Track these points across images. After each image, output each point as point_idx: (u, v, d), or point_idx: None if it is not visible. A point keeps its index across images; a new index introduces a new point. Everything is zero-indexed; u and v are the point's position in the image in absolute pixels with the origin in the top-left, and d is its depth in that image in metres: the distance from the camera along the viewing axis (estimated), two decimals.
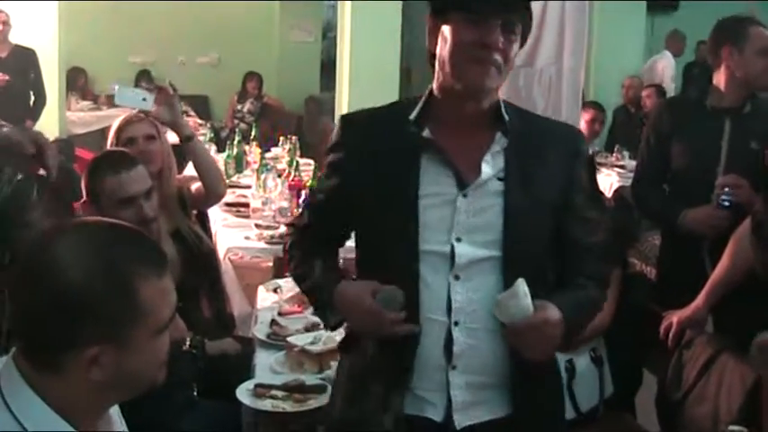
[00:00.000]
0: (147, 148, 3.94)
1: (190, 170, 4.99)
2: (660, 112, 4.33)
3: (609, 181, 7.89)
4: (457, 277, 2.21)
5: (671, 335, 3.47)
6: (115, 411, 1.79)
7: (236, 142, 7.42)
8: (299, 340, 3.37)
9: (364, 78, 8.99)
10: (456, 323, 2.22)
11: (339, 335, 3.39)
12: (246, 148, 7.85)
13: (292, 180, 6.23)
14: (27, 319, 1.57)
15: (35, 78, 8.61)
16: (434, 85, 2.30)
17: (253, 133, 8.89)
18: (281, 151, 8.16)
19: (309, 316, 3.74)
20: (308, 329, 3.54)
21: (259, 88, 12.15)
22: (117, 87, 3.77)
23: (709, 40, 4.18)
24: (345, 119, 2.43)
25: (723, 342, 3.41)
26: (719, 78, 4.06)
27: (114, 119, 11.48)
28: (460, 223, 2.21)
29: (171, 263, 3.72)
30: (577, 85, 5.09)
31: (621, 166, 8.30)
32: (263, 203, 5.82)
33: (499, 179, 2.23)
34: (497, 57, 2.16)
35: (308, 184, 5.91)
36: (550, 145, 2.32)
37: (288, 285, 4.19)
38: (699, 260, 3.88)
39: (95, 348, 1.54)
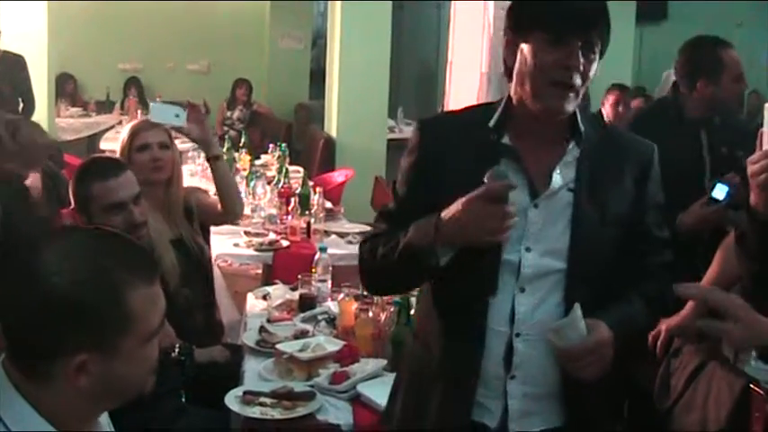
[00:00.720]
0: (161, 155, 3.94)
1: (194, 182, 5.03)
2: (635, 124, 4.35)
3: None
4: (522, 290, 2.23)
5: (659, 343, 3.48)
6: (104, 418, 1.78)
7: (225, 149, 7.42)
8: (288, 347, 3.37)
9: (354, 87, 9.02)
10: (518, 334, 2.23)
11: (330, 343, 3.42)
12: (236, 155, 7.86)
13: (282, 187, 6.24)
14: (15, 326, 1.56)
15: (24, 85, 8.58)
16: (512, 96, 2.29)
17: (242, 140, 8.88)
18: (270, 158, 8.16)
19: (298, 323, 3.75)
20: (296, 337, 3.54)
21: (248, 95, 12.15)
22: (153, 105, 3.88)
23: (681, 66, 4.18)
24: (423, 123, 2.39)
25: (711, 350, 3.42)
26: (692, 98, 4.09)
27: (103, 125, 11.39)
28: (530, 233, 2.22)
29: (170, 271, 3.77)
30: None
31: None
32: (253, 210, 5.83)
33: (569, 189, 2.24)
34: (577, 79, 2.16)
35: (297, 191, 5.91)
36: (624, 159, 2.33)
37: (277, 293, 4.19)
38: (690, 268, 3.89)
39: (82, 356, 1.53)
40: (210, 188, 5.96)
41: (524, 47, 2.21)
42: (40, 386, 1.56)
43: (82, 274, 1.54)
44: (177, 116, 3.89)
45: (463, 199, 2.09)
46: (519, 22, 2.25)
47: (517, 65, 2.24)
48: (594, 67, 2.21)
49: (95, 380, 1.56)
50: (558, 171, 2.21)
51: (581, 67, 2.16)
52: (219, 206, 4.16)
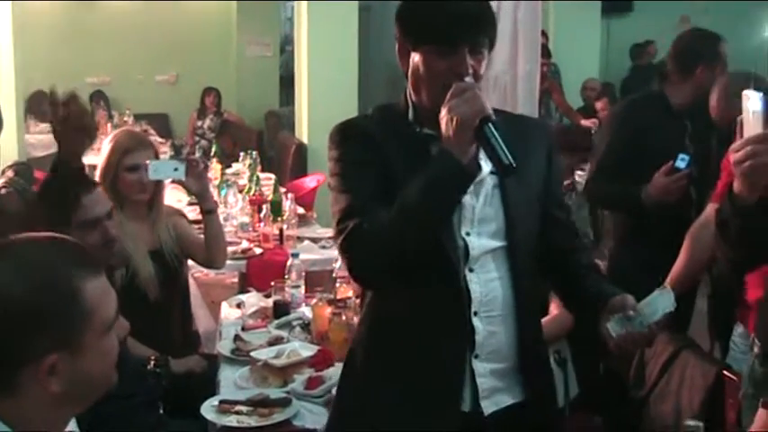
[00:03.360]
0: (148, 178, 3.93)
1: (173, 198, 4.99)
2: (623, 113, 4.39)
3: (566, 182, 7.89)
4: (471, 270, 2.30)
5: None
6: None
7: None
8: (263, 354, 3.37)
9: (323, 91, 9.02)
10: (475, 313, 2.30)
11: (304, 348, 3.42)
12: (208, 164, 7.83)
13: (253, 195, 6.23)
14: None
15: None
16: (413, 95, 2.37)
17: (213, 149, 8.86)
18: (241, 167, 8.15)
19: (273, 330, 3.75)
20: (271, 344, 3.54)
21: (218, 104, 12.11)
22: (150, 163, 3.85)
23: (677, 51, 4.28)
24: (342, 126, 2.41)
25: (684, 339, 3.45)
26: (681, 85, 4.16)
27: None
28: (468, 218, 2.30)
29: (148, 281, 3.76)
30: (534, 89, 5.11)
31: (582, 169, 8.31)
32: (225, 219, 5.80)
33: (491, 173, 2.31)
34: (468, 79, 2.22)
35: (269, 198, 5.90)
36: (530, 138, 2.42)
37: (251, 300, 4.19)
38: (648, 256, 3.93)
39: (52, 357, 1.56)
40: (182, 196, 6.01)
41: (415, 55, 2.30)
42: (8, 402, 1.57)
43: (33, 279, 1.57)
44: (176, 170, 3.91)
45: (443, 110, 2.17)
46: (407, 32, 2.33)
47: (410, 71, 2.33)
48: (485, 62, 2.30)
49: (65, 380, 1.57)
50: (482, 157, 2.24)
51: (471, 69, 2.23)
52: (204, 253, 4.15)
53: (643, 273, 3.40)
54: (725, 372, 3.08)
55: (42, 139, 11.04)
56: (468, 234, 2.30)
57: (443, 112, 2.17)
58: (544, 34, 7.15)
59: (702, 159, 3.97)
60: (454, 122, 2.14)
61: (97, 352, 1.63)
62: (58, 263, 1.61)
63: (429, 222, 2.23)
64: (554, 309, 3.67)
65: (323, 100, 8.97)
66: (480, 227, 2.31)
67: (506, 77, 4.79)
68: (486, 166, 2.28)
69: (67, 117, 3.54)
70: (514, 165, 2.14)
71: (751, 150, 1.99)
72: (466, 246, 2.29)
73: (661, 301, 2.28)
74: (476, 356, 2.31)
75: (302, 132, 9.47)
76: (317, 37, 9.11)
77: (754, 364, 2.95)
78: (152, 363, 3.47)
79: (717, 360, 3.42)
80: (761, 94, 1.97)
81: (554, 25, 10.58)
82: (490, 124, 2.15)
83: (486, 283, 2.31)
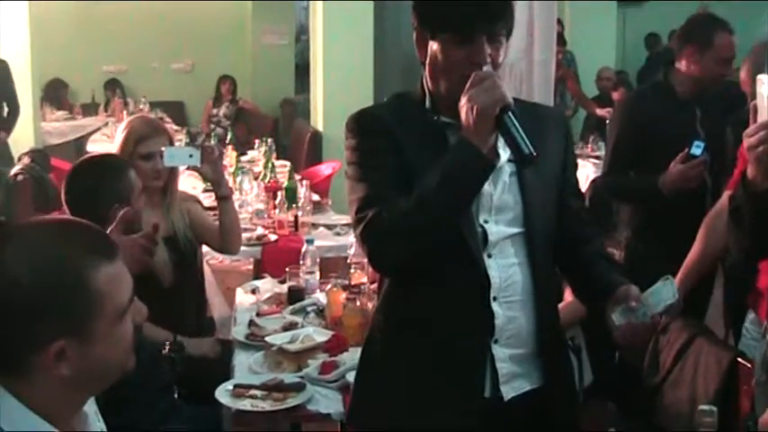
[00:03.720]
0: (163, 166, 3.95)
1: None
2: (631, 104, 4.39)
3: (584, 172, 7.88)
4: (490, 255, 2.31)
5: None
6: (92, 411, 1.80)
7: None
8: (277, 339, 3.38)
9: (338, 80, 9.02)
10: (494, 298, 2.31)
11: (318, 333, 3.43)
12: (224, 151, 7.84)
13: (268, 182, 6.24)
14: None
15: (8, 90, 8.57)
16: (430, 84, 2.37)
17: (229, 137, 8.88)
18: (257, 154, 8.16)
19: (287, 316, 3.76)
20: (285, 329, 3.55)
21: (233, 92, 12.14)
22: (165, 150, 3.88)
23: (678, 32, 4.28)
24: (358, 116, 2.41)
25: (698, 326, 3.44)
26: (680, 69, 4.15)
27: (89, 128, 11.35)
28: (488, 206, 2.31)
29: (162, 268, 3.78)
30: (549, 77, 5.09)
31: (597, 157, 8.31)
32: (240, 206, 5.81)
33: (509, 161, 2.32)
34: (487, 68, 2.23)
35: (284, 185, 5.91)
36: (546, 127, 2.43)
37: (266, 286, 4.21)
38: (664, 246, 3.91)
39: (59, 343, 1.55)
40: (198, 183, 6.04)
41: (433, 44, 2.30)
42: (22, 381, 1.58)
43: (43, 264, 1.56)
44: (191, 156, 3.94)
45: (462, 99, 2.17)
46: (424, 22, 2.33)
47: (428, 60, 2.33)
48: (503, 50, 2.30)
49: (76, 366, 1.58)
50: (500, 145, 2.25)
51: (489, 59, 2.23)
52: (218, 239, 4.18)
53: (659, 263, 3.38)
54: (739, 359, 3.07)
55: (58, 127, 11.12)
56: (486, 222, 2.31)
57: (463, 101, 2.17)
58: (559, 23, 7.16)
59: (716, 146, 3.96)
60: (474, 111, 2.15)
61: (110, 338, 1.62)
62: (66, 248, 1.60)
63: (449, 211, 2.24)
64: (568, 295, 3.66)
65: (338, 88, 8.97)
66: (498, 215, 2.33)
67: (521, 65, 4.78)
68: (504, 153, 2.29)
69: None
70: (534, 154, 2.15)
71: (764, 135, 1.98)
72: (484, 232, 2.31)
73: (664, 292, 2.30)
74: (495, 341, 2.32)
75: (317, 120, 9.47)
76: (332, 25, 9.11)
77: (767, 351, 2.95)
78: (167, 347, 3.49)
79: (731, 347, 3.41)
80: None
81: (570, 14, 10.56)
82: (510, 113, 2.16)
83: (505, 269, 2.33)
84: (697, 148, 3.88)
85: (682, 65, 4.13)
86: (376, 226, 2.25)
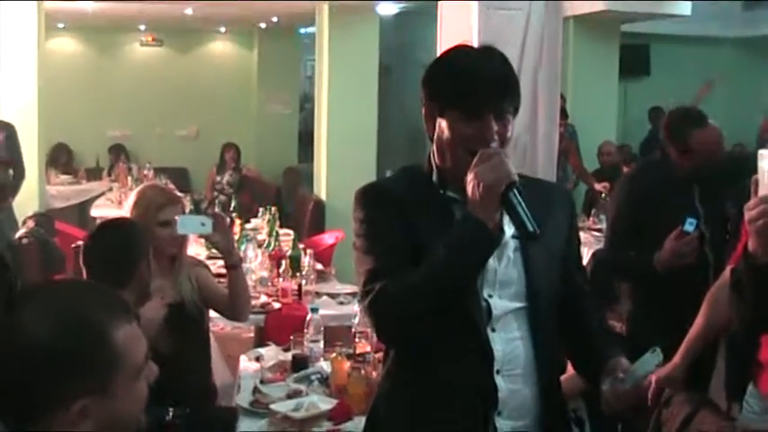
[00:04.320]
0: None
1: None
2: (628, 181, 4.44)
3: (586, 246, 7.90)
4: (493, 329, 2.33)
5: (650, 394, 3.50)
6: None
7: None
8: (282, 407, 3.39)
9: (342, 149, 9.10)
10: (498, 371, 2.32)
11: (323, 401, 3.43)
12: (234, 219, 7.87)
13: (272, 250, 6.27)
14: (8, 389, 1.57)
15: (14, 153, 8.62)
16: (437, 159, 2.40)
17: (232, 204, 8.92)
18: (260, 222, 8.19)
19: (291, 383, 3.76)
20: (290, 396, 3.55)
21: (237, 159, 12.21)
22: (178, 218, 3.92)
23: (663, 130, 4.35)
24: (367, 187, 2.45)
25: (701, 399, 3.44)
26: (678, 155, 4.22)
27: (93, 192, 11.34)
28: (491, 281, 2.33)
29: (167, 333, 3.74)
30: (552, 150, 5.16)
31: (598, 230, 8.34)
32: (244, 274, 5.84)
33: (513, 237, 2.34)
34: (494, 145, 2.27)
35: (288, 254, 5.94)
36: (552, 203, 2.48)
37: (270, 354, 4.21)
38: (665, 319, 3.93)
39: (83, 401, 1.56)
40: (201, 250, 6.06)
41: (441, 120, 2.34)
42: None
43: (64, 324, 1.58)
44: (203, 225, 3.95)
45: (469, 175, 2.20)
46: (433, 98, 2.37)
47: (436, 135, 2.37)
48: (511, 126, 2.33)
49: (98, 422, 1.59)
50: (506, 221, 2.29)
51: (496, 136, 2.28)
52: (226, 305, 4.17)
53: (661, 335, 3.40)
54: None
55: (63, 191, 11.17)
56: (490, 296, 2.33)
57: (470, 177, 2.21)
58: (562, 97, 7.23)
59: (716, 221, 3.99)
60: (481, 188, 2.19)
61: (129, 394, 1.64)
62: (89, 307, 1.62)
63: (455, 285, 2.27)
64: (571, 366, 3.67)
65: (341, 157, 9.05)
66: (502, 289, 2.35)
67: (526, 138, 4.84)
68: (509, 229, 2.32)
69: None
70: (538, 231, 2.19)
71: (765, 209, 2.01)
72: (488, 306, 2.33)
73: (649, 362, 2.36)
74: (498, 414, 2.33)
75: (321, 189, 9.53)
76: (336, 95, 9.21)
77: None
78: (170, 414, 3.49)
79: (733, 419, 3.40)
80: None
81: (572, 87, 10.65)
82: (515, 190, 2.19)
83: (509, 343, 2.35)
84: (690, 225, 3.93)
85: (672, 152, 4.20)
86: (383, 299, 2.27)
